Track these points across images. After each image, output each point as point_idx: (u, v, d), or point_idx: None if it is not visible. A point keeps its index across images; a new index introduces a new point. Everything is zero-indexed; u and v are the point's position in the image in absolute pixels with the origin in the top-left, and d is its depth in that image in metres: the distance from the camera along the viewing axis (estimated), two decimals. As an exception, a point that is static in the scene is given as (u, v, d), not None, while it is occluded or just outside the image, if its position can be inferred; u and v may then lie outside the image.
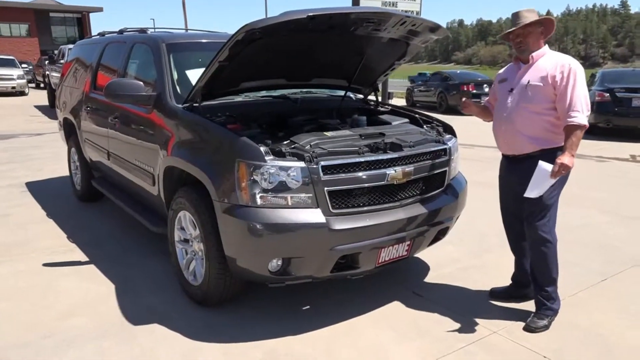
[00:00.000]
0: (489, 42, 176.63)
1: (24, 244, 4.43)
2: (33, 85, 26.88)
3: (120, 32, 5.07)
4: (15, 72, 21.67)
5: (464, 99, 3.50)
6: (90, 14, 46.39)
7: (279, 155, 2.83)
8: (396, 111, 4.16)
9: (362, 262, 2.99)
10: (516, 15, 3.01)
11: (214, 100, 3.52)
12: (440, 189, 3.40)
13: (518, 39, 3.01)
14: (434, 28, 3.42)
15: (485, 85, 15.97)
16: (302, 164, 2.79)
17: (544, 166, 2.83)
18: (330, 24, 3.04)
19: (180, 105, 3.45)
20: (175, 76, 3.75)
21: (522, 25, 2.95)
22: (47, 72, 17.50)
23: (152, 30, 4.75)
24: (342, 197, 2.89)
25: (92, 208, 5.50)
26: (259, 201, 2.76)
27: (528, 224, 3.06)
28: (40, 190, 6.27)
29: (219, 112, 3.37)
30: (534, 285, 3.17)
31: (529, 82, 2.97)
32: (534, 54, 3.00)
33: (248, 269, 2.90)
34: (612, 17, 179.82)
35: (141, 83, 3.58)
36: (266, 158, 2.75)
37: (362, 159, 2.93)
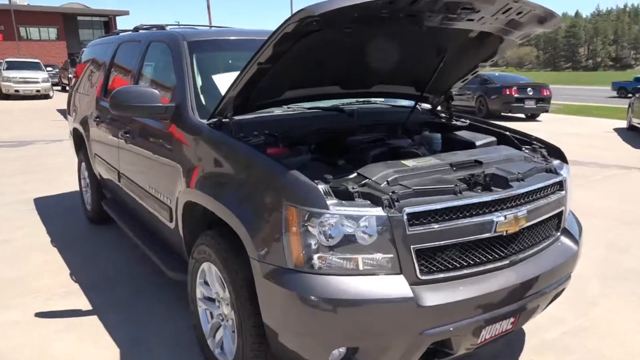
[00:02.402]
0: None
1: (21, 282, 3.68)
2: (59, 88, 26.73)
3: (136, 29, 4.30)
4: (40, 75, 21.44)
5: None
6: (117, 17, 46.63)
7: (345, 196, 1.98)
8: (476, 125, 3.26)
9: (459, 346, 2.12)
10: None
11: (249, 114, 2.69)
12: (555, 236, 2.51)
13: None
14: (544, 17, 2.52)
15: (529, 89, 14.85)
16: (378, 210, 1.93)
17: None
18: (412, 10, 2.17)
19: (205, 121, 2.63)
20: (200, 82, 2.94)
21: None
22: (69, 75, 17.11)
23: (173, 26, 3.94)
24: (434, 257, 2.02)
25: (103, 233, 4.74)
26: (316, 264, 1.92)
27: None
28: (49, 208, 5.55)
29: (256, 130, 2.54)
30: None
31: None
32: None
33: (297, 352, 2.05)
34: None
35: (155, 92, 2.76)
36: (328, 202, 1.91)
37: (461, 202, 2.05)
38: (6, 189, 6.42)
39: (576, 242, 2.57)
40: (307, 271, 1.92)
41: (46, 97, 21.24)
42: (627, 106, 13.79)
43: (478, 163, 2.38)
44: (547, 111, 15.56)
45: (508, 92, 14.72)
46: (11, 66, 21.57)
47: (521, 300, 2.21)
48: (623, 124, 13.74)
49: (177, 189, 2.71)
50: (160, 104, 2.76)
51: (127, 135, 3.45)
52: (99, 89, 4.37)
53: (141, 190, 3.35)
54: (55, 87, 24.15)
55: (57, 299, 3.43)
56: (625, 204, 5.65)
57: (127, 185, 3.65)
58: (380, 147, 2.61)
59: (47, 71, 23.00)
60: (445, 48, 2.76)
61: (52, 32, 42.17)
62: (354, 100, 3.21)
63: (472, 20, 2.40)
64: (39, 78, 21.21)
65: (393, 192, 1.98)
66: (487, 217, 2.10)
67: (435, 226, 1.98)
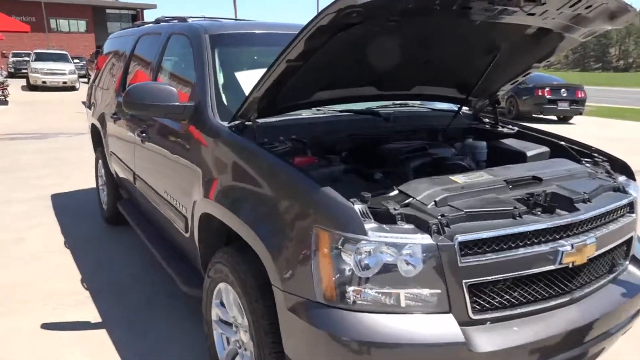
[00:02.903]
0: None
1: (31, 286, 3.49)
2: (85, 80, 26.97)
3: (157, 21, 4.06)
4: (67, 67, 21.59)
5: None
6: (145, 11, 46.98)
7: (385, 219, 1.69)
8: (526, 133, 2.92)
9: (513, 396, 1.81)
10: None
11: (275, 117, 2.41)
12: (623, 266, 2.17)
13: None
14: (616, 12, 2.18)
15: (563, 90, 14.25)
16: (425, 237, 1.63)
17: None
18: (468, 1, 1.85)
19: (226, 124, 2.36)
20: (221, 80, 2.67)
21: None
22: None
23: (196, 19, 3.67)
24: (488, 292, 1.72)
25: (118, 234, 4.54)
26: (350, 298, 1.63)
27: None
28: (66, 206, 5.38)
29: (282, 135, 2.27)
30: None
31: None
32: None
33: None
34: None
35: (172, 89, 2.51)
36: (366, 226, 1.62)
37: (523, 228, 1.74)
38: (25, 183, 6.30)
39: None
40: (339, 306, 1.64)
41: (72, 89, 21.38)
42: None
43: (537, 180, 2.06)
44: (581, 114, 14.92)
45: (540, 93, 14.13)
46: (39, 57, 21.77)
47: (585, 344, 1.89)
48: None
49: (193, 198, 2.45)
50: (177, 103, 2.50)
51: (144, 135, 3.21)
52: (117, 84, 4.15)
53: (156, 194, 3.11)
54: (82, 79, 24.32)
55: (66, 308, 3.22)
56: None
57: (143, 188, 3.42)
58: (422, 158, 2.31)
59: (74, 63, 23.17)
60: (497, 46, 2.43)
61: (82, 25, 42.63)
62: (389, 102, 2.91)
63: (533, 14, 2.07)
64: (66, 70, 21.35)
65: (442, 216, 1.68)
66: (551, 246, 1.79)
67: (492, 257, 1.68)
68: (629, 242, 2.18)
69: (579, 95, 14.46)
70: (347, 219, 1.63)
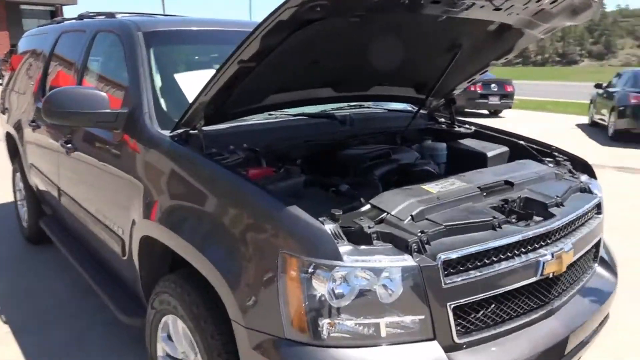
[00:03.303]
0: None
1: None
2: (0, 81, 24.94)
3: (80, 17, 3.64)
4: (-23, 67, 19.82)
5: None
6: (64, 7, 44.25)
7: (360, 239, 1.50)
8: (482, 132, 2.85)
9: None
10: None
11: (224, 124, 2.16)
12: (593, 269, 2.12)
13: None
14: (579, 7, 2.12)
15: (493, 85, 14.79)
16: (406, 258, 1.46)
17: None
18: None
19: (167, 133, 2.08)
20: (159, 83, 2.38)
21: None
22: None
23: (125, 15, 3.31)
24: (472, 313, 1.58)
25: (42, 254, 4.05)
26: (323, 332, 1.43)
27: None
28: (-21, 224, 4.80)
29: (232, 144, 2.03)
30: None
31: None
32: None
33: None
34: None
35: (102, 94, 2.19)
36: (340, 249, 1.42)
37: (506, 240, 1.61)
38: None
39: (614, 272, 2.20)
40: (312, 343, 1.43)
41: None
42: (587, 102, 13.92)
43: (509, 184, 1.95)
44: (510, 107, 15.58)
45: (473, 88, 14.56)
46: (-56, 58, 19.85)
47: (566, 356, 1.80)
48: (582, 119, 13.87)
49: (131, 219, 2.15)
50: (108, 111, 2.18)
51: (69, 145, 2.83)
52: (35, 87, 3.70)
53: (87, 213, 2.75)
54: (-5, 81, 22.45)
55: (-18, 346, 2.79)
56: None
57: (69, 205, 3.04)
58: (387, 165, 2.15)
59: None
60: (459, 44, 2.31)
61: (-7, 22, 39.54)
62: (344, 104, 2.73)
63: (499, 9, 1.95)
64: (-24, 71, 19.61)
65: (422, 232, 1.51)
66: (533, 257, 1.67)
67: (476, 274, 1.53)
68: (597, 244, 2.13)
69: (508, 90, 15.08)
70: (318, 243, 1.42)
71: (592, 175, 2.38)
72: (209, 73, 1.84)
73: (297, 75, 2.09)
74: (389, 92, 2.63)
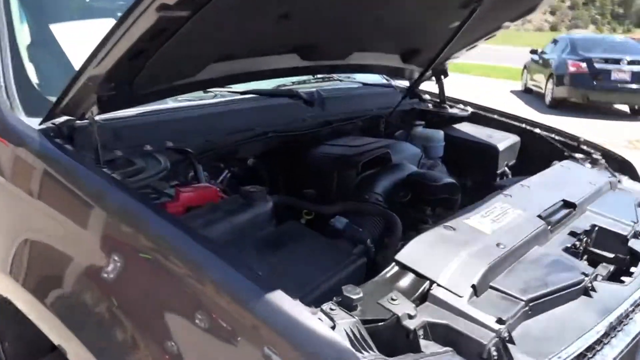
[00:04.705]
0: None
1: None
2: None
3: None
4: None
5: None
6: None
7: (398, 341, 0.82)
8: (482, 115, 2.23)
9: None
10: None
11: (132, 110, 1.36)
12: None
13: None
14: None
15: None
16: None
17: None
18: None
19: (35, 122, 1.25)
20: (27, 39, 1.50)
21: None
22: None
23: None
24: None
25: None
26: None
27: None
28: None
29: (148, 142, 1.26)
30: None
31: None
32: None
33: None
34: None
35: None
36: (359, 356, 0.73)
37: (609, 319, 1.00)
38: None
39: None
40: None
41: None
42: (515, 67, 13.76)
43: (570, 207, 1.34)
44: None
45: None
46: None
47: None
48: (515, 85, 13.80)
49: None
50: None
51: None
52: None
53: None
54: None
55: None
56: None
57: None
58: (390, 175, 1.46)
59: None
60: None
61: None
62: (308, 77, 1.98)
63: None
64: None
65: (500, 321, 0.86)
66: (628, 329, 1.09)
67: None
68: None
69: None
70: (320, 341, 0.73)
71: (634, 176, 1.84)
72: (110, 23, 1.04)
73: (254, 35, 1.31)
74: (373, 60, 1.90)
